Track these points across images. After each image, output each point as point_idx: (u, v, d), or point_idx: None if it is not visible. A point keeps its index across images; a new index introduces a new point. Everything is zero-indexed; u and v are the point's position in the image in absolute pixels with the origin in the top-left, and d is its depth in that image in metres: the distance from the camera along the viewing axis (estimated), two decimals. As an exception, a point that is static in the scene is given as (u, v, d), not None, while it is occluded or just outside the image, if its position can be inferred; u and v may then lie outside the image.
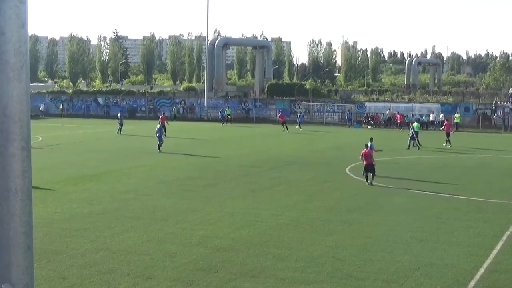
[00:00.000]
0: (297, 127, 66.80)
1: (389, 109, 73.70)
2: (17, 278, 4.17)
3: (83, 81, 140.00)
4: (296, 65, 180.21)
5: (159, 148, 43.75)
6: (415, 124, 51.15)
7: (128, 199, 26.30)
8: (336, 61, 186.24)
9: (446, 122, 54.69)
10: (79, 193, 27.75)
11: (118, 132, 58.60)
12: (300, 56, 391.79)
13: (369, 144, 32.49)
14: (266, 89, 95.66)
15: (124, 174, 33.50)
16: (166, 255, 17.81)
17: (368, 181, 30.12)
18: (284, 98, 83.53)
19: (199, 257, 17.65)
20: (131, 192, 27.99)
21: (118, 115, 61.78)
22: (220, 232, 20.65)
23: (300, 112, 74.07)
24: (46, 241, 18.39)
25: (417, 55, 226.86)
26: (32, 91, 79.06)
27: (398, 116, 70.34)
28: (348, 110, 74.77)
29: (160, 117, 58.51)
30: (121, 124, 59.18)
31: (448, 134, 49.88)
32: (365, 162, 30.42)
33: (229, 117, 75.97)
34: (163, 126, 55.17)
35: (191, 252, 18.16)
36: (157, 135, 44.49)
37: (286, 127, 64.34)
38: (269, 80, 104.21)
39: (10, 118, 4.04)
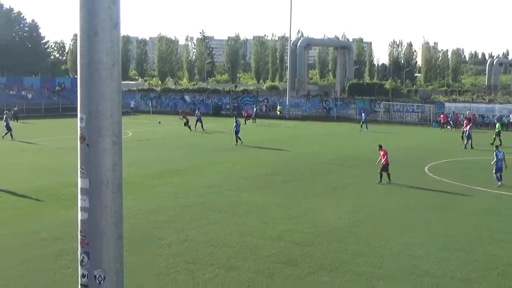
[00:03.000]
0: (360, 129, 62.96)
1: (470, 110, 72.10)
2: (108, 265, 4.27)
3: (171, 79, 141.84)
4: (376, 65, 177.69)
5: (237, 141, 46.42)
6: (497, 124, 51.99)
7: (211, 194, 26.56)
8: (416, 62, 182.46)
9: (465, 121, 53.18)
10: (165, 187, 28.22)
11: (196, 128, 59.93)
12: (381, 56, 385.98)
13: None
14: (347, 89, 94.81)
15: (207, 170, 33.84)
16: (247, 248, 17.92)
17: (382, 180, 29.69)
18: (365, 97, 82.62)
19: (279, 251, 17.68)
20: (214, 187, 28.25)
21: (197, 111, 63.87)
22: (300, 227, 20.63)
23: (363, 112, 69.79)
24: (135, 232, 18.76)
25: (498, 56, 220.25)
26: (123, 89, 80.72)
27: (442, 116, 68.89)
28: (453, 111, 72.13)
29: (183, 115, 62.26)
30: (200, 121, 60.27)
31: (464, 133, 48.48)
32: (384, 162, 30.05)
33: (279, 113, 79.83)
34: (187, 122, 57.28)
35: (272, 246, 18.21)
36: (234, 130, 46.85)
37: (254, 120, 72.29)
38: (350, 79, 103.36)
39: (102, 114, 4.13)
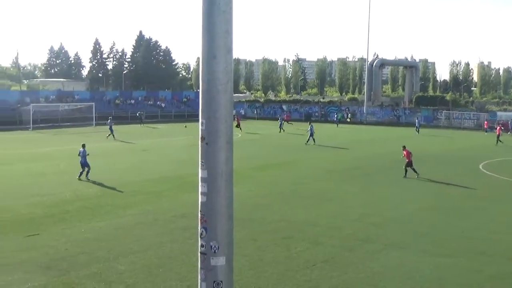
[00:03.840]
0: (416, 133, 60.82)
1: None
2: (222, 238, 4.33)
3: (272, 92, 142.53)
4: (438, 81, 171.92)
5: (307, 141, 46.21)
6: None
7: (302, 183, 26.49)
8: (472, 78, 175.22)
9: (498, 127, 51.96)
10: (265, 177, 28.34)
11: (279, 129, 59.90)
12: (443, 73, 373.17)
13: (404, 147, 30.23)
14: (413, 100, 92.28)
15: (299, 164, 33.74)
16: (332, 227, 17.78)
17: (406, 175, 28.28)
18: (428, 107, 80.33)
19: (358, 230, 17.45)
20: (304, 178, 28.16)
21: (279, 116, 63.28)
22: (374, 212, 20.29)
23: (417, 118, 68.71)
24: (242, 212, 18.92)
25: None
26: (235, 100, 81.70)
27: (485, 123, 66.00)
28: (503, 119, 68.86)
29: (236, 118, 60.36)
30: (281, 126, 60.13)
31: (498, 136, 49.46)
32: (407, 160, 28.78)
33: (349, 120, 79.49)
34: (238, 125, 56.21)
35: (352, 226, 18.01)
36: (309, 134, 46.71)
37: (337, 124, 71.50)
38: (416, 92, 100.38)
39: (219, 119, 4.20)
